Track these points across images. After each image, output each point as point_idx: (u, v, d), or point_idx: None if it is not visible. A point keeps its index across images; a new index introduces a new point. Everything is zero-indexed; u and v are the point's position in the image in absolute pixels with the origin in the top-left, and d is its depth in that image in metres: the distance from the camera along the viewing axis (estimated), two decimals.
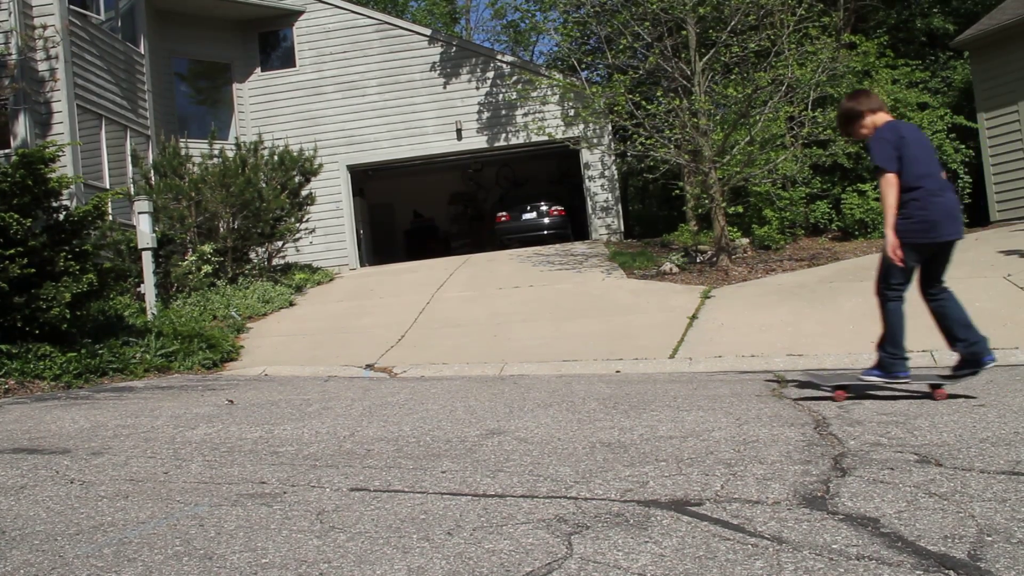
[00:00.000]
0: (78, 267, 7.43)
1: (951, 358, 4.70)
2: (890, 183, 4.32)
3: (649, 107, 12.30)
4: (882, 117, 4.58)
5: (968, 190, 15.03)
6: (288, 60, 17.48)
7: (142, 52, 14.76)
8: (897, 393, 4.62)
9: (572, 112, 16.06)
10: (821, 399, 4.58)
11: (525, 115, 16.81)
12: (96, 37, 13.22)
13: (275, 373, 7.82)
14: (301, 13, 17.32)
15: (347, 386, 6.50)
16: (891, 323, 4.49)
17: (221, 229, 12.41)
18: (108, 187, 12.72)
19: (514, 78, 17.14)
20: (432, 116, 17.20)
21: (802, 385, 5.19)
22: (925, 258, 4.47)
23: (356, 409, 5.06)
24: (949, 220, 4.39)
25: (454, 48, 17.63)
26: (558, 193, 19.76)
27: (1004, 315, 7.38)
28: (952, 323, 4.48)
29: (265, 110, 17.26)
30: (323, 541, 2.41)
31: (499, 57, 17.86)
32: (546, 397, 5.27)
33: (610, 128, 16.47)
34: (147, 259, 10.01)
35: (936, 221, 4.34)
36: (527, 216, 17.98)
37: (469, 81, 17.30)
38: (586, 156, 17.01)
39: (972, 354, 4.42)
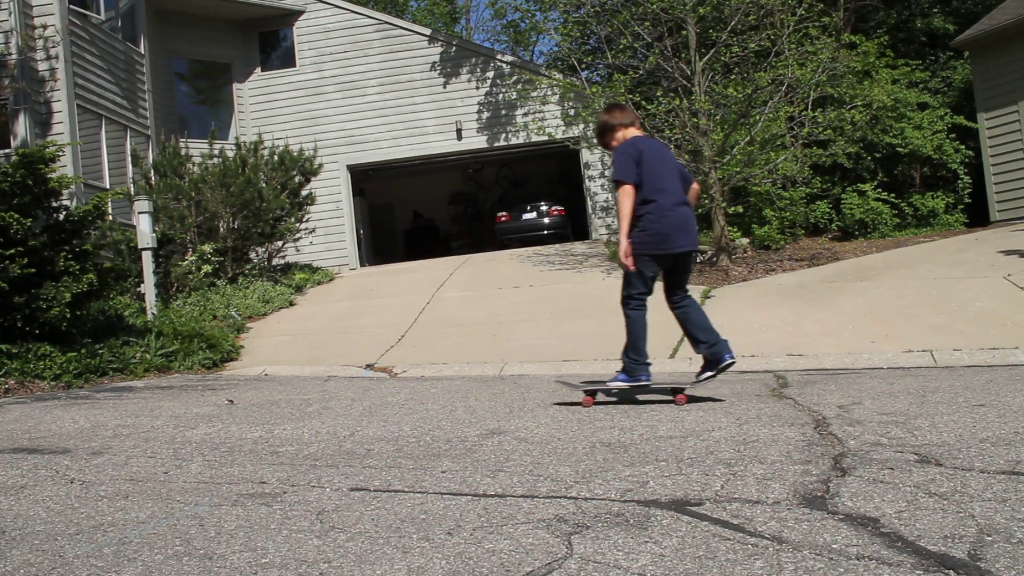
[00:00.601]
0: (78, 267, 7.43)
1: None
2: (626, 193, 4.58)
3: (649, 107, 12.30)
4: (631, 132, 4.86)
5: (968, 190, 15.03)
6: (288, 60, 17.48)
7: (142, 52, 14.76)
8: (647, 399, 4.86)
9: (572, 112, 16.06)
10: (572, 404, 4.79)
11: (525, 115, 16.81)
12: (96, 37, 13.22)
13: (275, 373, 7.82)
14: (301, 13, 17.32)
15: (347, 386, 6.51)
16: (633, 331, 4.74)
17: (221, 229, 12.42)
18: (108, 187, 12.72)
19: (514, 78, 17.14)
20: (432, 116, 17.21)
21: (562, 385, 5.26)
22: (664, 268, 4.74)
23: (356, 409, 5.06)
24: (681, 233, 4.64)
25: (454, 48, 17.63)
26: (558, 193, 19.77)
27: (1004, 315, 7.38)
28: (694, 328, 4.79)
29: (265, 110, 17.26)
30: (323, 541, 2.41)
31: (499, 57, 17.86)
32: (546, 397, 5.27)
33: None
34: (147, 259, 10.01)
35: (668, 234, 4.60)
36: (527, 216, 17.98)
37: (469, 81, 17.31)
38: (586, 156, 17.01)
39: (713, 355, 4.69)
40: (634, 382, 4.71)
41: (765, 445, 3.44)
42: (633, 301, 4.74)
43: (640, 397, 4.93)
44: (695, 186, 4.96)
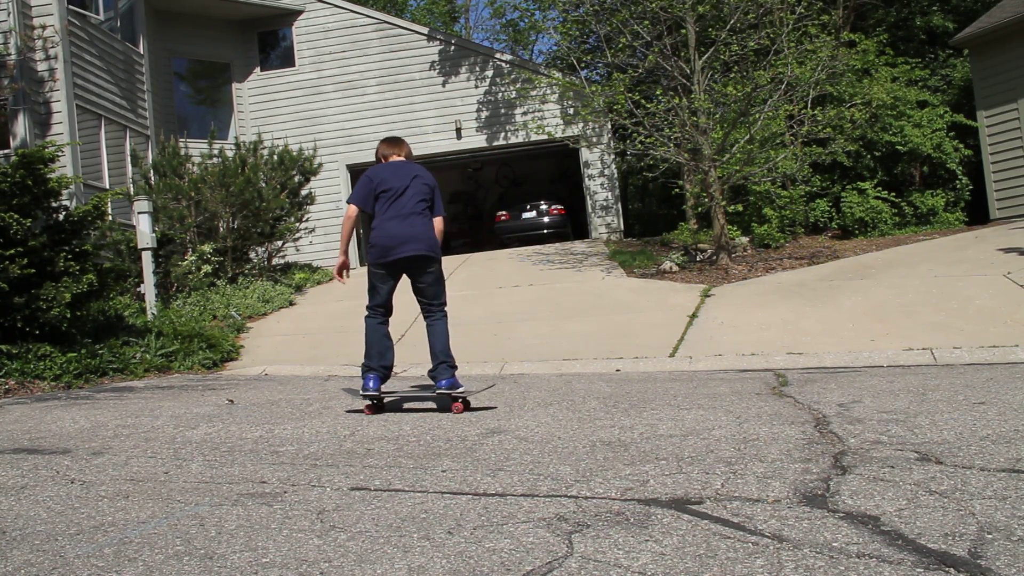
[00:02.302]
0: (78, 267, 7.43)
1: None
2: (348, 214, 4.92)
3: (648, 106, 12.30)
4: (390, 159, 5.10)
5: (967, 189, 15.03)
6: (287, 60, 17.48)
7: (141, 52, 14.76)
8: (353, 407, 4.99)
9: (571, 111, 16.06)
10: (356, 411, 4.88)
11: (524, 114, 16.81)
12: (95, 37, 13.21)
13: (275, 373, 7.82)
14: (300, 13, 17.32)
15: (347, 385, 6.50)
16: (365, 338, 4.93)
17: (221, 229, 12.41)
18: (108, 187, 12.72)
19: (513, 77, 17.14)
20: (431, 115, 17.20)
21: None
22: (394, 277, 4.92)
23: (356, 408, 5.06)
24: (400, 244, 4.78)
25: (453, 47, 17.62)
26: (558, 192, 19.77)
27: (1004, 313, 7.38)
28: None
29: (264, 110, 17.26)
30: (324, 540, 2.41)
31: (498, 56, 17.86)
32: (546, 396, 5.27)
33: (609, 127, 16.47)
34: (147, 259, 10.01)
35: (388, 246, 4.78)
36: (527, 215, 17.98)
37: (468, 80, 17.30)
38: (586, 155, 17.00)
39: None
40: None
41: (765, 444, 3.44)
42: (367, 310, 5.03)
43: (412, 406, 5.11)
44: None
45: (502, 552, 2.24)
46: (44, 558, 2.35)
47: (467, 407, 4.75)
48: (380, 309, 4.91)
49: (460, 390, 4.69)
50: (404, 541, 2.38)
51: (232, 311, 10.52)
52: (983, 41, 14.42)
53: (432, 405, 5.04)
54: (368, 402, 4.79)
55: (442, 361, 4.73)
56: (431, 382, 4.86)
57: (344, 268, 5.05)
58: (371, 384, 4.75)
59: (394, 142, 5.25)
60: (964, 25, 15.94)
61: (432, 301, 4.90)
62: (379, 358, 4.83)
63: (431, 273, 4.86)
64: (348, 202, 4.93)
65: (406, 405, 5.16)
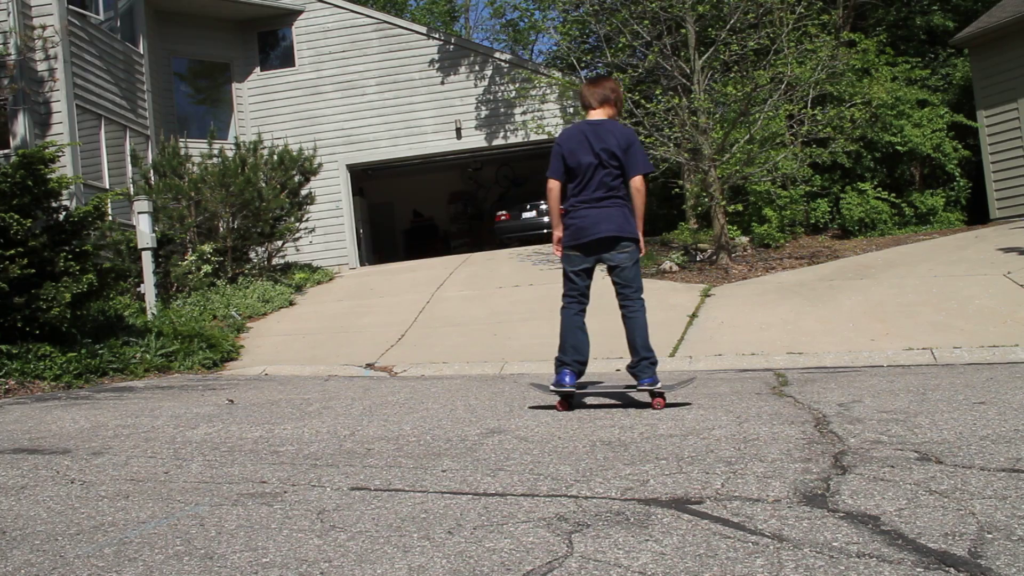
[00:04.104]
0: (78, 267, 7.43)
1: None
2: (549, 187, 4.64)
3: (648, 105, 12.30)
4: (589, 114, 4.71)
5: (966, 191, 15.04)
6: (287, 60, 17.48)
7: (141, 52, 14.76)
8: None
9: (571, 110, 16.05)
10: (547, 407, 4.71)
11: (524, 113, 16.81)
12: (95, 37, 13.21)
13: (275, 373, 7.82)
14: (300, 13, 17.32)
15: (347, 385, 6.51)
16: (560, 331, 4.71)
17: (221, 229, 12.41)
18: (108, 187, 12.72)
19: (512, 76, 17.14)
20: (431, 115, 17.20)
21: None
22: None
23: (356, 408, 5.07)
24: (593, 225, 4.54)
25: (453, 47, 17.62)
26: None
27: (1004, 312, 7.38)
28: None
29: (264, 110, 17.26)
30: (324, 540, 2.41)
31: (498, 55, 17.86)
32: (546, 396, 5.26)
33: None
34: (147, 259, 10.01)
35: (581, 227, 4.56)
36: (527, 215, 17.98)
37: (468, 80, 17.30)
38: None
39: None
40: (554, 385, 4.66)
41: (765, 443, 3.44)
42: (563, 299, 4.84)
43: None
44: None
45: (502, 552, 2.24)
46: (44, 558, 2.35)
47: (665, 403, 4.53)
48: (575, 297, 4.69)
49: (659, 385, 4.48)
50: (404, 541, 2.38)
51: (232, 311, 10.52)
52: (983, 41, 14.42)
53: (621, 400, 4.81)
54: (559, 398, 4.58)
55: (644, 358, 4.48)
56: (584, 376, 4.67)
57: (559, 241, 4.74)
58: (566, 379, 4.50)
59: (594, 85, 4.73)
60: (964, 25, 15.93)
61: (628, 286, 4.60)
62: (573, 352, 4.59)
63: (626, 255, 4.56)
64: (547, 176, 4.66)
65: (589, 400, 4.92)
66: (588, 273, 4.69)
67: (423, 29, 18.16)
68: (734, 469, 3.01)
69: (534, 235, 17.43)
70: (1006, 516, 2.34)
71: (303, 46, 17.38)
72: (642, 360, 4.49)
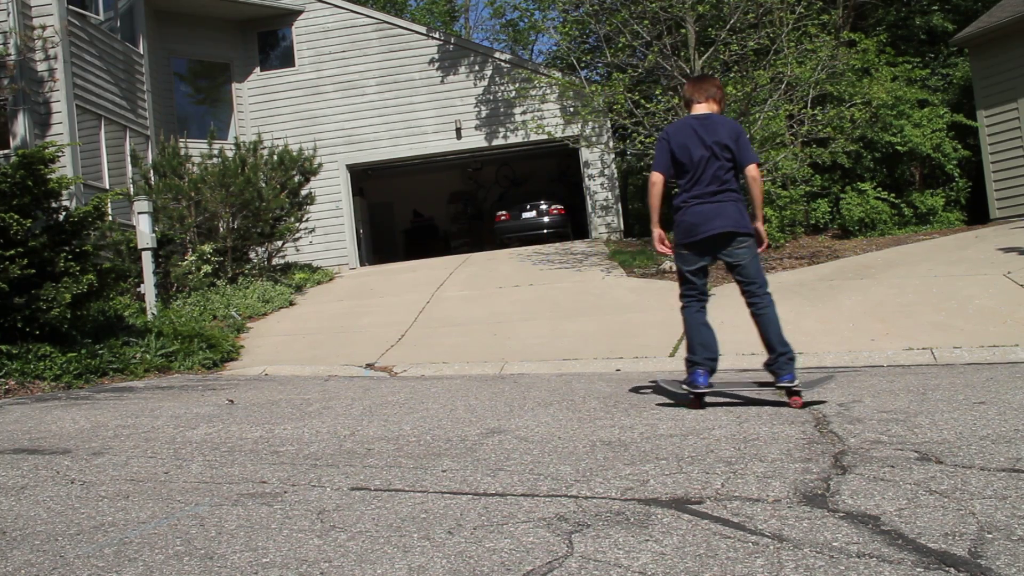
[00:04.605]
0: (78, 268, 7.43)
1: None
2: (653, 181, 4.52)
3: (648, 105, 12.31)
4: (692, 108, 4.63)
5: (966, 191, 15.03)
6: (287, 60, 17.48)
7: (141, 52, 14.76)
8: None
9: (571, 111, 16.06)
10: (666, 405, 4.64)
11: (524, 113, 16.81)
12: (95, 37, 13.21)
13: (275, 373, 7.82)
14: (300, 13, 17.32)
15: (347, 385, 6.50)
16: (684, 330, 4.59)
17: (221, 229, 12.41)
18: (108, 187, 12.72)
19: (512, 76, 17.14)
20: (431, 115, 17.20)
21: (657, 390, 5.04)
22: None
23: (356, 408, 5.06)
24: (706, 221, 4.43)
25: (453, 47, 17.62)
26: (558, 192, 19.77)
27: (1004, 312, 7.38)
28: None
29: (264, 110, 17.26)
30: (324, 540, 2.41)
31: (498, 55, 17.86)
32: (546, 396, 5.26)
33: (609, 126, 16.48)
34: (147, 259, 10.01)
35: (694, 224, 4.43)
36: (527, 215, 17.98)
37: (468, 80, 17.30)
38: (585, 155, 17.00)
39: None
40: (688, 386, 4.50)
41: (765, 443, 3.44)
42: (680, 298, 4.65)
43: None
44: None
45: (502, 552, 2.24)
46: (44, 558, 2.35)
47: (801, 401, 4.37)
48: (693, 294, 4.55)
49: (797, 383, 4.35)
50: (404, 541, 2.38)
51: (232, 311, 10.52)
52: (983, 41, 14.41)
53: (764, 397, 4.66)
54: (692, 398, 4.46)
55: (782, 353, 4.34)
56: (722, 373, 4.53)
57: (662, 240, 4.62)
58: (700, 380, 4.37)
59: (698, 83, 4.68)
60: (964, 25, 15.93)
61: (753, 282, 4.45)
62: (703, 350, 4.45)
63: (744, 250, 4.42)
64: (652, 170, 4.55)
65: (716, 400, 4.76)
66: (705, 272, 4.56)
67: (423, 29, 18.17)
68: (734, 469, 3.01)
69: (534, 235, 17.44)
70: (1006, 516, 2.34)
71: (303, 46, 17.38)
72: (780, 356, 4.34)
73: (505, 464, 3.29)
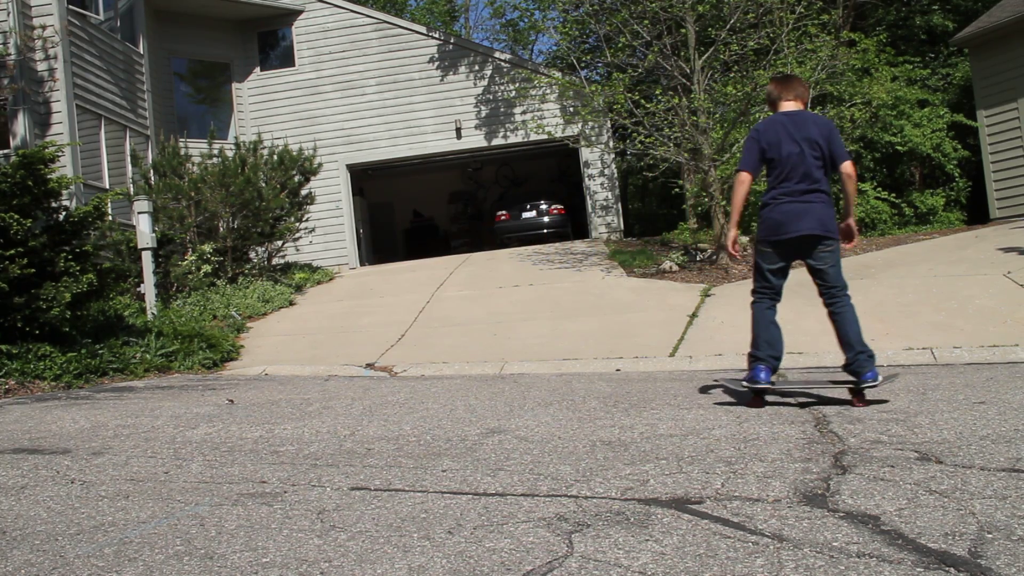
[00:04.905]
0: (78, 267, 7.43)
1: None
2: (740, 180, 4.55)
3: (648, 105, 12.30)
4: (779, 106, 4.58)
5: (965, 191, 15.03)
6: (287, 59, 17.48)
7: (141, 52, 14.76)
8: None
9: (571, 110, 16.06)
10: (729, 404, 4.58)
11: (524, 113, 16.81)
12: (95, 37, 13.21)
13: (275, 373, 7.82)
14: (300, 12, 17.32)
15: (347, 385, 6.50)
16: (751, 325, 4.59)
17: (221, 229, 12.41)
18: (108, 187, 12.72)
19: (512, 76, 17.14)
20: (431, 115, 17.20)
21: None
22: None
23: (356, 408, 5.06)
24: (792, 221, 4.44)
25: (453, 47, 17.62)
26: (558, 192, 19.77)
27: (1004, 312, 7.38)
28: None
29: (264, 109, 17.26)
30: (324, 540, 2.41)
31: (497, 55, 17.86)
32: (546, 396, 5.27)
33: (609, 126, 16.48)
34: (147, 259, 10.01)
35: (780, 222, 4.46)
36: (527, 215, 17.98)
37: (468, 79, 17.30)
38: (585, 154, 17.00)
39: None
40: (749, 383, 4.46)
41: (765, 443, 3.44)
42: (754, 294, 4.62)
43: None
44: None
45: (502, 552, 2.24)
46: (44, 558, 2.35)
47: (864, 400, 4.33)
48: (768, 292, 4.56)
49: (880, 380, 4.28)
50: (404, 541, 2.38)
51: (232, 311, 10.52)
52: (983, 41, 14.41)
53: (814, 398, 4.62)
54: (753, 395, 4.44)
55: (860, 351, 4.28)
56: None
57: (735, 242, 4.66)
58: (762, 375, 4.34)
59: (785, 82, 4.61)
60: (964, 24, 15.93)
61: (834, 286, 4.46)
62: (768, 348, 4.43)
63: (828, 254, 4.44)
64: (739, 169, 4.53)
65: (775, 399, 4.70)
66: (784, 272, 4.55)
67: (423, 29, 18.17)
68: (734, 469, 3.01)
69: (534, 235, 17.44)
70: (1006, 516, 2.34)
71: (303, 46, 17.38)
72: (859, 355, 4.28)
73: (505, 464, 3.29)
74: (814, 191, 4.35)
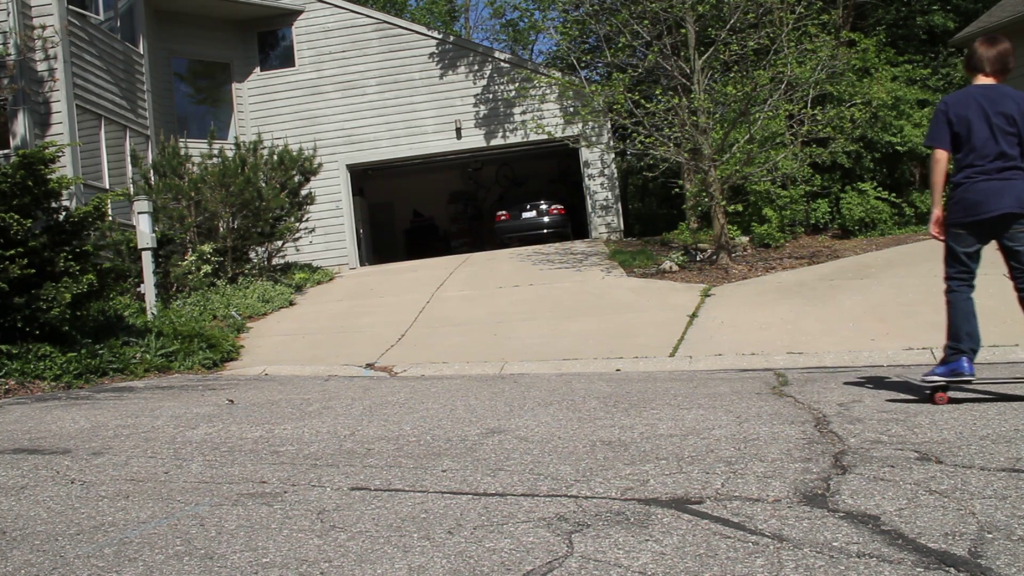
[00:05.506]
0: (78, 268, 7.43)
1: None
2: (936, 158, 4.28)
3: (648, 105, 12.30)
4: (977, 78, 4.29)
5: None
6: (287, 60, 17.49)
7: (141, 52, 14.76)
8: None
9: (571, 110, 16.06)
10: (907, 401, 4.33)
11: (524, 113, 16.82)
12: (95, 37, 13.21)
13: (275, 373, 7.82)
14: (300, 12, 17.32)
15: (347, 385, 6.51)
16: (948, 315, 4.27)
17: (221, 229, 12.41)
18: (108, 187, 12.72)
19: (512, 76, 17.14)
20: (431, 115, 17.21)
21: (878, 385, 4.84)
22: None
23: (356, 408, 5.06)
24: (988, 199, 4.13)
25: (453, 47, 17.62)
26: (558, 192, 19.78)
27: (1004, 312, 7.37)
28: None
29: (264, 109, 17.26)
30: (324, 540, 2.41)
31: (498, 55, 17.86)
32: (546, 396, 5.27)
33: (609, 126, 16.48)
34: (147, 259, 10.01)
35: (974, 201, 4.15)
36: (527, 215, 17.99)
37: (468, 79, 17.31)
38: (585, 155, 17.00)
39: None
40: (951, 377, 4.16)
41: (765, 443, 3.44)
42: (949, 281, 4.31)
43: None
44: None
45: (502, 552, 2.24)
46: (44, 558, 2.35)
47: None
48: (965, 278, 4.27)
49: None
50: (404, 541, 2.38)
51: (232, 311, 10.52)
52: None
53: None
54: (939, 391, 4.15)
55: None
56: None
57: (938, 222, 4.32)
58: (967, 367, 4.07)
59: (993, 43, 4.25)
60: (964, 24, 15.93)
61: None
62: (969, 340, 4.14)
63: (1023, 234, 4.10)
64: (931, 146, 4.26)
65: (962, 395, 4.40)
66: (979, 256, 4.29)
67: (423, 29, 18.17)
68: (734, 469, 3.01)
69: (534, 235, 17.45)
70: (1006, 516, 2.34)
71: (303, 46, 17.38)
72: None
73: (505, 464, 3.29)
74: (1011, 168, 4.10)
